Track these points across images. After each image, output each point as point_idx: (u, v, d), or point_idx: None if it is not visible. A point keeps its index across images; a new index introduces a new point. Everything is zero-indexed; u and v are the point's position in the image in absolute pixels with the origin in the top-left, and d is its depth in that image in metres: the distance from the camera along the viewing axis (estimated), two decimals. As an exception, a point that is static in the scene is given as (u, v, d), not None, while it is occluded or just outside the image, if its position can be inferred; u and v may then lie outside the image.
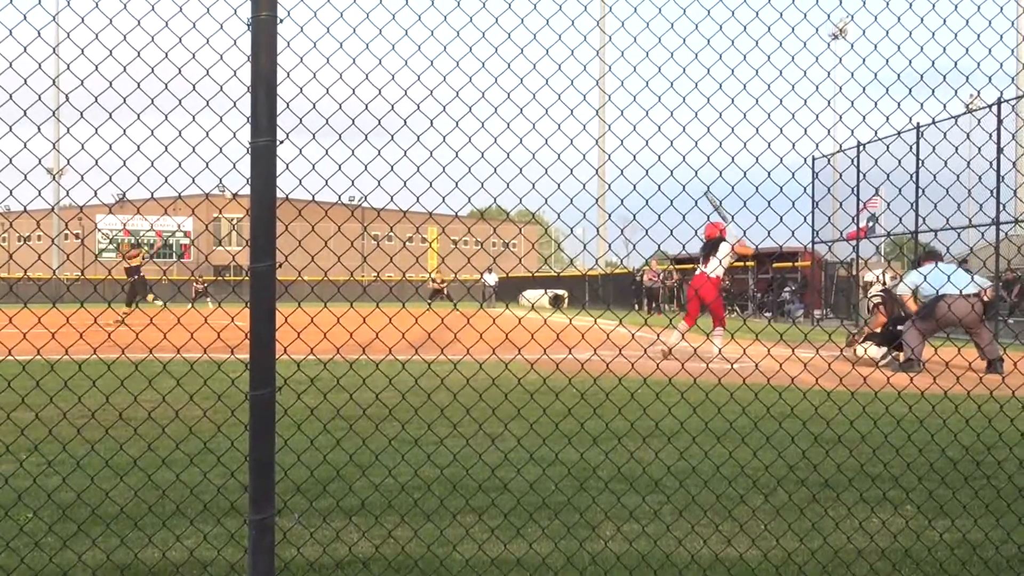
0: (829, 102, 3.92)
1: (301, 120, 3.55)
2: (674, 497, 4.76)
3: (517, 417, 4.72)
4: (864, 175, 23.06)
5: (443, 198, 3.60)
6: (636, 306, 37.53)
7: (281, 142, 3.26)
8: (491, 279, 43.42)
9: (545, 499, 4.59)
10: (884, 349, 13.22)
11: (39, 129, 3.61)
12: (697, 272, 13.93)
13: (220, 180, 3.67)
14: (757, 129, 3.72)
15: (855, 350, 13.33)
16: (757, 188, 3.78)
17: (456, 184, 3.56)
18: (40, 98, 3.57)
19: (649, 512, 4.57)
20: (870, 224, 24.89)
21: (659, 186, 3.71)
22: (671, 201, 3.72)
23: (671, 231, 3.76)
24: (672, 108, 3.67)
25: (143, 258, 25.69)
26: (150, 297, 24.46)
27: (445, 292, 43.63)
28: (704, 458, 5.15)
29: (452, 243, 4.68)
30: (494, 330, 4.20)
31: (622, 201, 3.78)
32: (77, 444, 5.43)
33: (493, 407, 4.74)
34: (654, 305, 36.99)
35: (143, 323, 3.52)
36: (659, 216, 3.73)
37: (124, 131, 3.54)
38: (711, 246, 13.51)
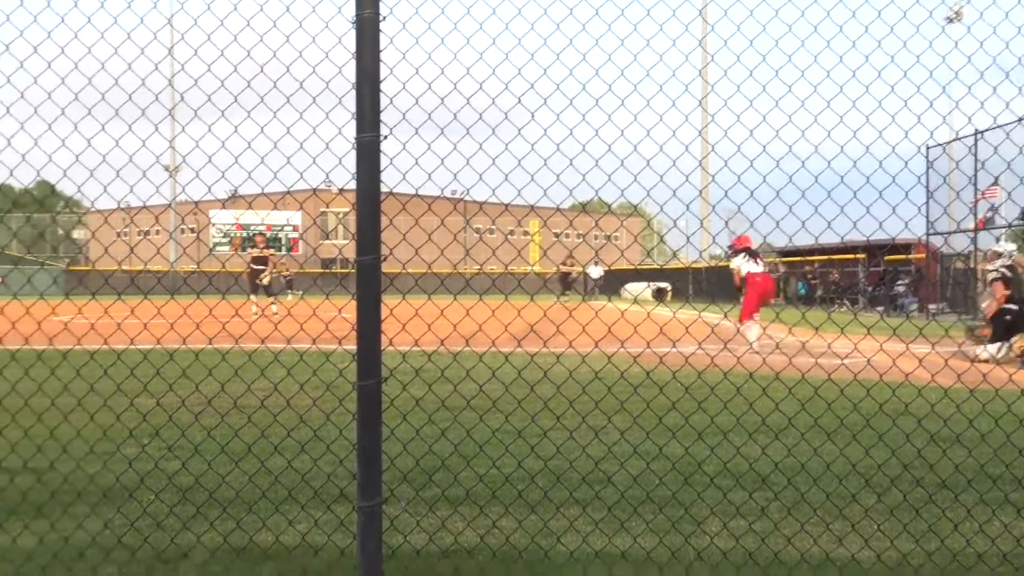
0: (944, 88, 3.76)
1: (404, 116, 3.61)
2: (782, 494, 4.66)
3: (620, 410, 4.70)
4: (983, 164, 22.07)
5: (544, 191, 3.61)
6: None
7: (385, 137, 3.31)
8: (595, 272, 43.05)
9: (649, 493, 4.55)
10: (999, 344, 12.55)
11: (156, 128, 3.76)
12: (755, 270, 15.12)
13: (327, 175, 3.76)
14: (868, 118, 3.60)
15: (977, 353, 12.67)
16: (868, 178, 3.66)
17: (558, 177, 3.56)
18: (157, 98, 3.72)
19: (756, 509, 4.49)
20: (989, 215, 23.83)
21: (764, 177, 3.63)
22: (777, 192, 3.64)
23: (777, 223, 3.68)
24: (778, 97, 3.58)
25: (269, 256, 26.10)
26: (263, 302, 24.72)
27: (573, 277, 41.74)
28: (813, 455, 5.03)
29: (554, 236, 4.69)
30: (597, 323, 4.19)
31: (726, 193, 3.71)
32: (195, 430, 5.65)
33: (596, 400, 4.73)
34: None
35: (271, 315, 3.64)
36: (764, 208, 3.66)
37: (236, 128, 3.66)
38: (754, 252, 15.21)
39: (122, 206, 4.22)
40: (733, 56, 3.60)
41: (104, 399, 4.66)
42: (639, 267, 45.61)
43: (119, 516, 4.49)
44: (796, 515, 4.38)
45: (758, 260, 15.41)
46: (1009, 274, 13.04)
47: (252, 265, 24.77)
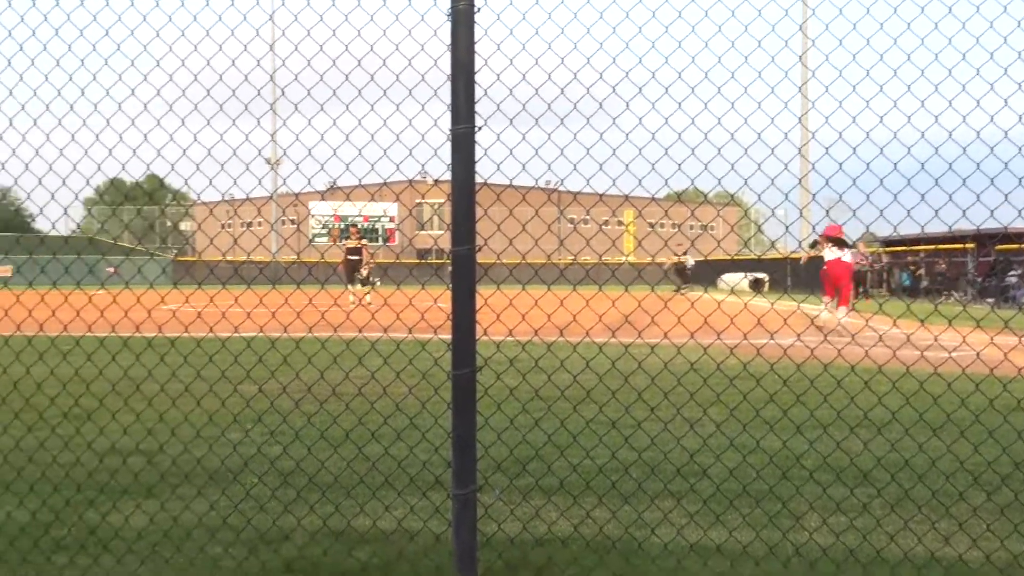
0: (1064, 67, 3.58)
1: (499, 106, 3.62)
2: (885, 491, 4.53)
3: (716, 402, 4.64)
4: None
5: (639, 180, 3.58)
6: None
7: (479, 128, 3.33)
8: (687, 262, 42.24)
9: (746, 487, 4.48)
10: None
11: (259, 122, 3.87)
12: (832, 258, 16.12)
13: (423, 167, 3.81)
14: (978, 102, 3.46)
15: None
16: (979, 165, 3.51)
17: (653, 166, 3.52)
18: (259, 93, 3.82)
19: (857, 505, 4.38)
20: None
21: (867, 164, 3.52)
22: (880, 180, 3.53)
23: (881, 211, 3.57)
24: (882, 82, 3.47)
25: (362, 244, 26.56)
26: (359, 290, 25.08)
27: (688, 269, 39.29)
28: (918, 451, 4.87)
29: (649, 226, 4.65)
30: (692, 314, 4.14)
31: (827, 181, 3.62)
32: (296, 416, 5.80)
33: (691, 392, 4.67)
34: (862, 289, 35.13)
35: (371, 304, 3.71)
36: (868, 196, 3.55)
37: (334, 122, 3.74)
38: (839, 241, 16.22)
39: (226, 198, 4.35)
40: (835, 40, 3.49)
41: (210, 385, 4.82)
42: (736, 257, 44.77)
43: (224, 498, 4.65)
44: (900, 512, 4.25)
45: (842, 249, 16.26)
46: None
47: (348, 256, 25.33)
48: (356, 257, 25.43)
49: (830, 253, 16.25)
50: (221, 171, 3.84)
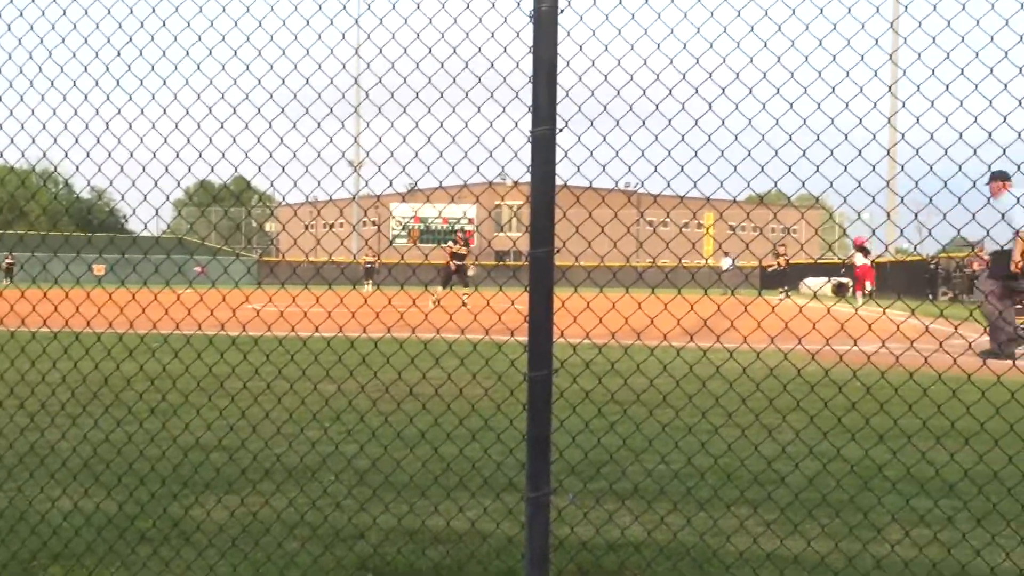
0: None
1: (580, 108, 3.61)
2: (972, 504, 4.38)
3: (796, 409, 4.55)
4: None
5: (721, 183, 3.53)
6: (931, 295, 34.64)
7: (560, 130, 3.33)
8: (726, 263, 40.47)
9: (825, 496, 4.38)
10: None
11: (343, 125, 3.93)
12: (861, 263, 26.62)
13: (503, 168, 3.82)
14: (1080, 100, 3.31)
15: None
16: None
17: (735, 168, 3.47)
18: (344, 96, 3.88)
19: (942, 517, 4.24)
20: None
21: (960, 167, 3.41)
22: (974, 183, 3.41)
23: (973, 215, 3.45)
24: (977, 81, 3.36)
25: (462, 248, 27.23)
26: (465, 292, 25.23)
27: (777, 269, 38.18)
28: (1008, 463, 4.70)
29: (729, 229, 4.57)
30: (772, 319, 4.07)
31: (916, 183, 3.51)
32: (373, 416, 5.88)
33: (771, 398, 4.59)
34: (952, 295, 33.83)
35: (454, 306, 3.74)
36: (959, 199, 3.44)
37: (416, 124, 3.78)
38: (864, 250, 26.16)
39: (309, 200, 4.44)
40: (927, 38, 3.38)
41: (290, 383, 4.92)
42: (819, 261, 43.86)
43: (302, 495, 4.73)
44: (987, 526, 4.11)
45: (867, 255, 24.07)
46: None
47: (454, 260, 26.10)
48: (461, 263, 26.22)
49: (860, 259, 23.61)
50: (305, 173, 3.92)
